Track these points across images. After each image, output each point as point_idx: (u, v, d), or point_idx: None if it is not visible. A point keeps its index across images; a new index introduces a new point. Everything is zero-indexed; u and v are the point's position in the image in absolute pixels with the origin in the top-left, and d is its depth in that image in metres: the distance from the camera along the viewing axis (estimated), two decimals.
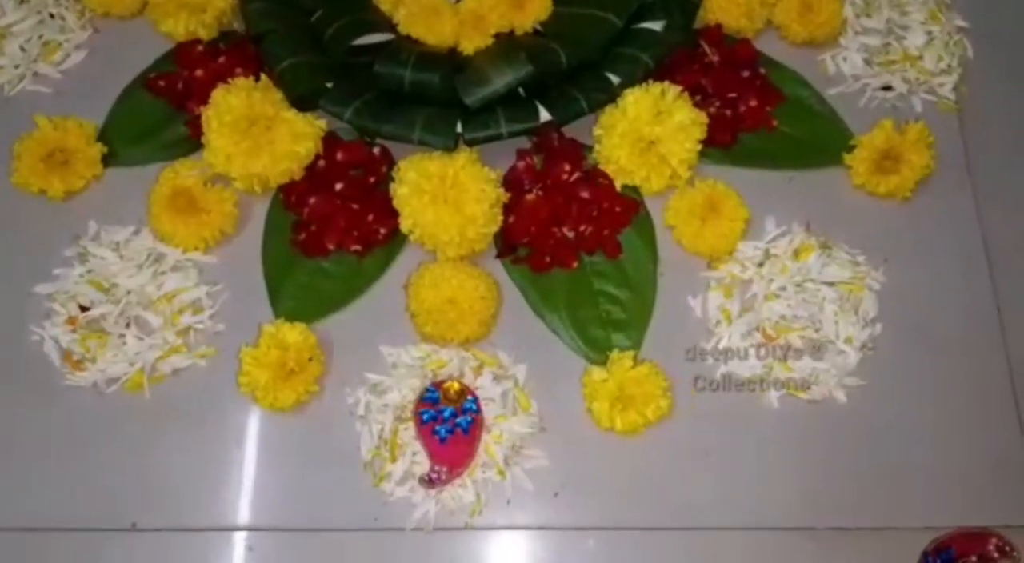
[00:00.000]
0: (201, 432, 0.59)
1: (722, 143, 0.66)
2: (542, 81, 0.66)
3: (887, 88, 0.69)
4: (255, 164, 0.63)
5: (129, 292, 0.62)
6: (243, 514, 0.58)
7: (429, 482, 0.56)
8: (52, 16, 0.72)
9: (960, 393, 0.61)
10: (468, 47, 0.67)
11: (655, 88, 0.63)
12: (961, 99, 0.70)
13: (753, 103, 0.67)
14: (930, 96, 0.69)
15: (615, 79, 0.66)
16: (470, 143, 0.65)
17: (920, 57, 0.69)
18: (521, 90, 0.66)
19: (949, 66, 0.70)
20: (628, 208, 0.65)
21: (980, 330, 0.63)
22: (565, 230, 0.64)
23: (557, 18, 0.68)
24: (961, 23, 0.71)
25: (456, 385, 0.58)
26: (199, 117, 0.64)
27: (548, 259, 0.63)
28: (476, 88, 0.64)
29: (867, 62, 0.70)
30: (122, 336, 0.61)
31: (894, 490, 0.58)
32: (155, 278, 0.63)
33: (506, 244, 0.64)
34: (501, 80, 0.64)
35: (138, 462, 0.59)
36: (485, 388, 0.59)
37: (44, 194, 0.65)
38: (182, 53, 0.69)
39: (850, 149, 0.66)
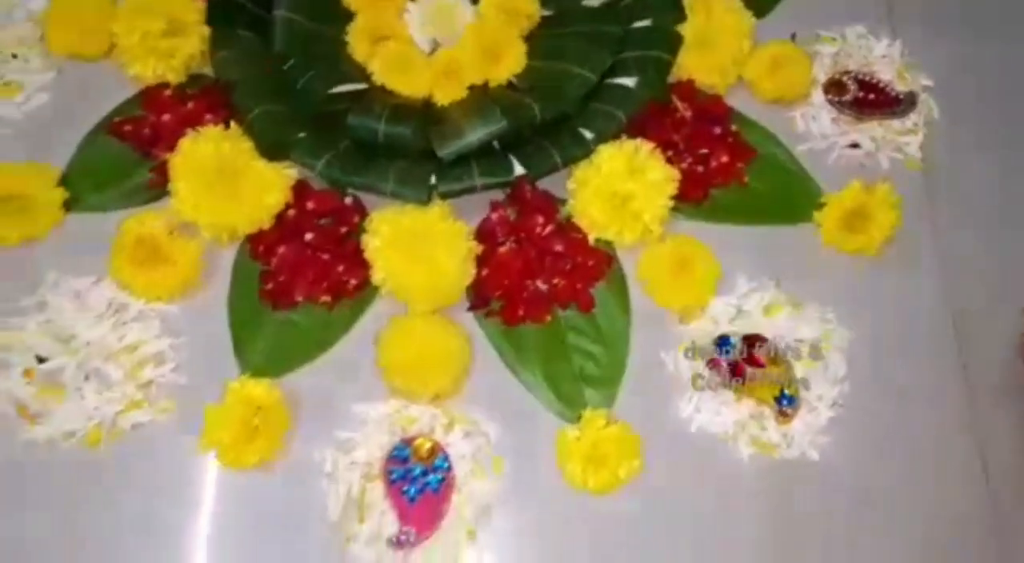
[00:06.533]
0: (160, 490, 0.57)
1: (694, 198, 0.66)
2: (516, 134, 0.65)
3: (855, 145, 0.70)
4: (224, 214, 0.62)
5: (88, 343, 0.60)
6: None
7: (397, 544, 0.55)
8: (15, 56, 0.70)
9: (927, 446, 0.62)
10: (442, 98, 0.67)
11: (628, 145, 0.64)
12: (927, 157, 0.71)
13: (725, 159, 0.67)
14: (897, 154, 0.70)
15: (589, 134, 0.66)
16: (443, 196, 0.64)
17: None
18: (496, 143, 0.65)
19: (915, 125, 0.71)
20: (601, 262, 0.64)
21: (945, 383, 0.64)
22: (538, 283, 0.63)
23: (532, 72, 0.68)
24: (927, 82, 0.73)
25: (427, 442, 0.57)
26: (165, 164, 0.63)
27: (521, 312, 0.63)
28: (450, 141, 0.64)
29: (835, 120, 0.71)
30: (80, 389, 0.58)
31: (865, 546, 0.59)
32: (116, 329, 0.61)
33: (479, 297, 0.63)
34: (475, 134, 0.64)
35: (94, 521, 0.56)
36: (456, 446, 0.58)
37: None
38: (149, 97, 0.68)
39: (820, 207, 0.66)
